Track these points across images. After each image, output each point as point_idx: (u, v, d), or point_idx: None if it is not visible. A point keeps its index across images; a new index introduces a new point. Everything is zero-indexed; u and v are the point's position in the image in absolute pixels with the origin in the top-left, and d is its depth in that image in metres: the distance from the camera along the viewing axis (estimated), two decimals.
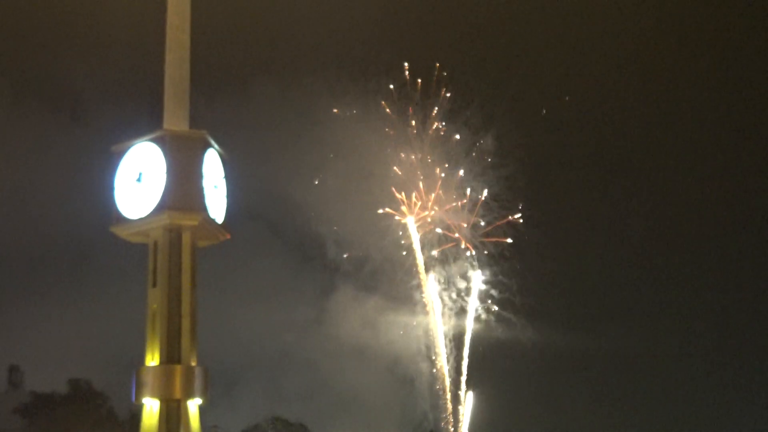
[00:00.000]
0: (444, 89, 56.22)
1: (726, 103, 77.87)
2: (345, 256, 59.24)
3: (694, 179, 77.11)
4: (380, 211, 56.27)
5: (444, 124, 56.52)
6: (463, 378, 58.06)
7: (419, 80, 56.32)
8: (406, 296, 59.09)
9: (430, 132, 56.50)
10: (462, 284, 58.47)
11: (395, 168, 56.81)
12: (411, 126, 56.53)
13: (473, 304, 57.52)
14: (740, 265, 77.99)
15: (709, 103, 77.51)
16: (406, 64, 56.02)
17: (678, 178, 77.40)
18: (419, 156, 56.85)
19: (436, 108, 56.35)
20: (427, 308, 58.35)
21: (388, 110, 55.92)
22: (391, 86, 55.86)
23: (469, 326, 57.21)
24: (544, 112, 56.44)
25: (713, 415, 71.80)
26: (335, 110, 57.16)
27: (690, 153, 77.84)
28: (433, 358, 58.15)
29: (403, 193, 56.69)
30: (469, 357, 58.10)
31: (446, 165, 57.15)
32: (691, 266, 77.59)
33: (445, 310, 58.58)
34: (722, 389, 74.01)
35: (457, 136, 56.59)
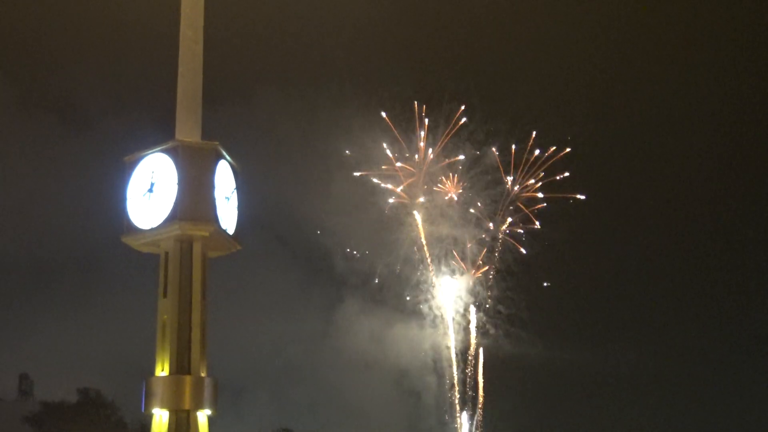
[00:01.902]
0: (449, 104, 56.39)
1: (729, 113, 77.65)
2: (352, 268, 59.36)
3: (702, 194, 76.84)
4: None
5: (448, 136, 56.67)
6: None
7: (423, 92, 56.55)
8: (414, 310, 59.06)
9: (434, 146, 56.61)
10: (469, 299, 58.40)
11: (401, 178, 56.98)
12: (414, 139, 56.66)
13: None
14: (749, 284, 77.60)
15: (713, 114, 77.27)
16: (409, 78, 56.34)
17: (686, 193, 77.15)
18: (423, 169, 56.95)
19: (440, 121, 56.51)
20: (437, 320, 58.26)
21: (390, 123, 56.10)
22: (392, 101, 56.12)
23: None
24: (569, 138, 56.21)
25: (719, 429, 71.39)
26: (339, 123, 57.43)
27: (701, 167, 77.63)
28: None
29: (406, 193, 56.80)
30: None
31: (450, 178, 57.26)
32: (699, 283, 77.28)
33: (453, 324, 58.49)
34: (728, 405, 73.59)
35: (462, 150, 56.78)
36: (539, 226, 56.63)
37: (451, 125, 55.73)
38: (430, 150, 56.28)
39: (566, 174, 56.21)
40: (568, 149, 55.95)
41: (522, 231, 56.99)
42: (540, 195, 56.74)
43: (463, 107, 55.86)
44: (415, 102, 55.45)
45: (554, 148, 55.88)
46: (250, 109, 69.34)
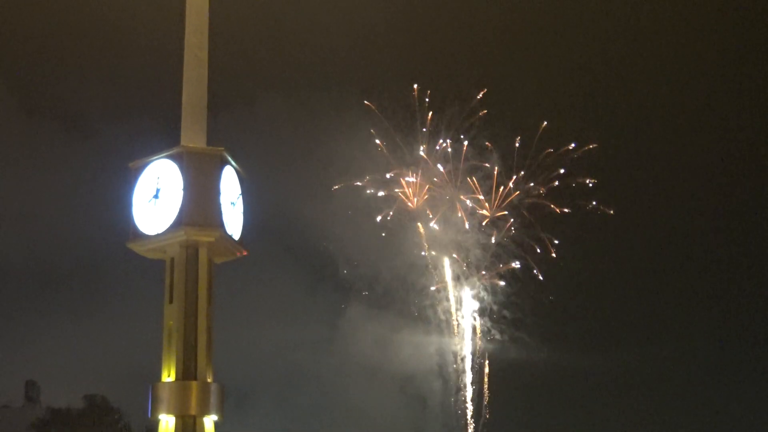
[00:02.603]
0: (451, 108, 56.40)
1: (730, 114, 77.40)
2: (357, 274, 59.35)
3: (708, 199, 76.66)
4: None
5: (450, 141, 56.68)
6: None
7: (426, 99, 56.55)
8: (419, 315, 59.01)
9: (437, 150, 56.62)
10: (474, 305, 58.32)
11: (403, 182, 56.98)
12: (417, 145, 56.68)
13: None
14: (758, 288, 77.36)
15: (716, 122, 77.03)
16: (415, 86, 56.34)
17: (692, 194, 76.97)
18: (426, 175, 56.95)
19: (441, 127, 56.53)
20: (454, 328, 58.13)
21: (391, 126, 56.14)
22: (397, 105, 56.25)
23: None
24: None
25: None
26: (341, 129, 57.50)
27: (708, 169, 77.46)
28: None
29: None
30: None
31: (452, 183, 57.24)
32: (706, 287, 77.07)
33: (458, 329, 58.40)
34: (734, 407, 73.39)
35: (464, 154, 56.80)
36: (553, 253, 56.59)
37: (462, 117, 55.76)
38: (440, 145, 56.33)
39: (591, 181, 56.10)
40: (592, 145, 55.76)
41: (534, 242, 56.91)
42: (562, 210, 56.65)
43: (481, 94, 55.92)
44: (414, 87, 55.49)
45: (573, 145, 55.75)
46: (252, 115, 69.26)
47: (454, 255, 57.89)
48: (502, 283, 56.98)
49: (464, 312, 58.02)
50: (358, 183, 56.76)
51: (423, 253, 57.27)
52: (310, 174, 62.89)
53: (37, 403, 66.46)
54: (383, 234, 57.03)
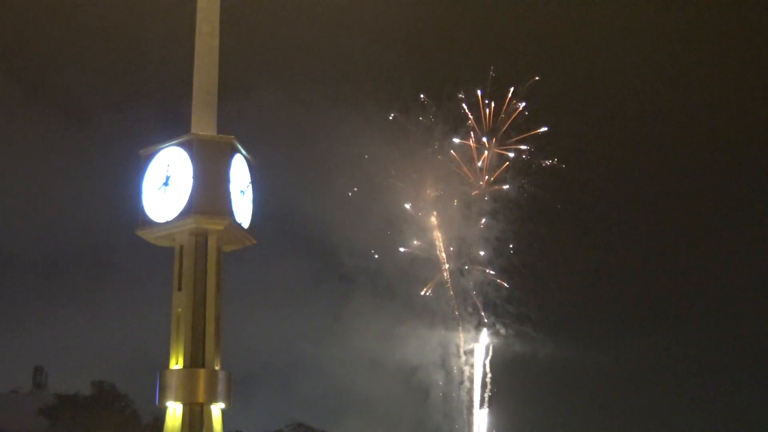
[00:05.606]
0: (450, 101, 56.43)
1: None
2: (361, 265, 59.47)
3: (709, 197, 76.45)
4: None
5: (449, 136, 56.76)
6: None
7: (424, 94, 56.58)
8: (423, 308, 59.06)
9: (436, 146, 56.69)
10: (479, 298, 58.32)
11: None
12: (415, 139, 56.75)
13: None
14: (759, 281, 77.10)
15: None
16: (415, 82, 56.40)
17: (694, 196, 76.75)
18: (424, 167, 57.04)
19: (442, 121, 56.58)
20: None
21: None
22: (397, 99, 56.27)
23: None
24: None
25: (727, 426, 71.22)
26: (337, 122, 57.60)
27: (711, 171, 77.22)
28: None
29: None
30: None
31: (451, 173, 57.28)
32: (710, 282, 76.86)
33: (463, 322, 58.47)
34: (737, 401, 73.32)
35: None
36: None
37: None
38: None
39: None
40: None
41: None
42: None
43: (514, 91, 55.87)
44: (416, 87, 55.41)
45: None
46: (253, 105, 68.98)
47: (460, 246, 57.96)
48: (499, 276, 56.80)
49: (468, 305, 58.02)
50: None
51: (430, 237, 57.29)
52: (314, 166, 62.97)
53: (44, 388, 66.77)
54: (390, 220, 57.12)
